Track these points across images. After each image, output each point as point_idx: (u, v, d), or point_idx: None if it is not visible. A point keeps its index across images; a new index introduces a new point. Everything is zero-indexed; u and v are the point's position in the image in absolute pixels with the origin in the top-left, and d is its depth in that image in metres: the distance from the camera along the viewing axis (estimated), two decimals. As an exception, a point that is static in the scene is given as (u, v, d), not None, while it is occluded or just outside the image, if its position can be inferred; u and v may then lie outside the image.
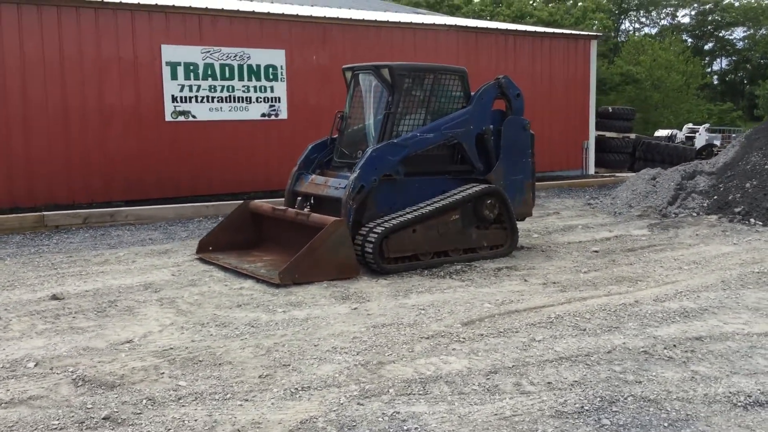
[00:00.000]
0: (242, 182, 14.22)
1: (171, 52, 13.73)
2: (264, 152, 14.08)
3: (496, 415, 4.80)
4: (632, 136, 22.63)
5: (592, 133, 20.33)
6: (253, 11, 14.69)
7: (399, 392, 5.16)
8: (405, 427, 4.60)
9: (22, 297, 7.86)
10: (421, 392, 5.17)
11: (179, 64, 13.81)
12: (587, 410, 4.88)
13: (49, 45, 12.65)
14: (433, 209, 9.34)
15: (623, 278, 8.79)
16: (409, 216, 9.17)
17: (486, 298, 7.80)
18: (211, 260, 9.55)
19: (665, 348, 6.13)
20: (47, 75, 12.68)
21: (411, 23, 16.57)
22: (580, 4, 50.17)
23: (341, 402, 4.99)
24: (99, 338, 6.43)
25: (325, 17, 15.45)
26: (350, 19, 15.76)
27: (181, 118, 13.92)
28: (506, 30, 18.72)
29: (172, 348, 6.15)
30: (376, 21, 16.08)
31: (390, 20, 16.29)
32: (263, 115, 14.71)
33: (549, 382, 5.35)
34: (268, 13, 14.81)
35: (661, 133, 31.92)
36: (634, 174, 17.07)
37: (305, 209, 10.01)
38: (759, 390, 5.27)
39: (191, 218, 12.77)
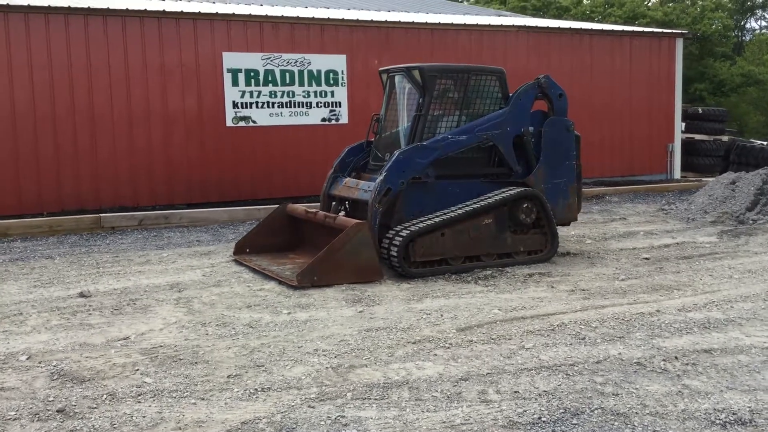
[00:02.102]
0: (301, 187, 14.36)
1: (232, 59, 14.06)
2: (323, 157, 14.13)
3: (444, 423, 4.61)
4: (725, 138, 21.38)
5: (678, 135, 19.35)
6: (314, 17, 14.84)
7: (355, 396, 5.04)
8: (342, 432, 4.49)
9: (53, 294, 8.20)
10: (378, 397, 5.03)
11: (240, 70, 14.13)
12: (544, 421, 4.62)
13: (114, 53, 13.21)
14: (463, 213, 9.11)
15: (661, 287, 8.30)
16: (437, 219, 8.98)
17: (500, 304, 7.54)
18: (244, 262, 9.68)
19: (664, 360, 5.73)
20: (113, 82, 13.25)
21: (477, 25, 16.28)
22: (699, 2, 47.87)
23: (293, 404, 4.93)
24: (100, 335, 6.62)
25: (386, 21, 15.43)
26: (412, 23, 15.65)
27: (242, 124, 14.23)
28: (581, 29, 18.10)
29: (161, 346, 6.25)
30: (439, 24, 15.90)
31: (454, 22, 16.07)
32: (323, 119, 14.83)
33: (516, 392, 5.09)
34: (329, 19, 14.92)
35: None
36: (713, 178, 16.13)
37: (340, 213, 10.02)
38: (749, 408, 4.84)
39: (243, 221, 13.00)
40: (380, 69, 10.38)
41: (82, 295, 8.09)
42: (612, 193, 16.72)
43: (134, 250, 10.75)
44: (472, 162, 9.71)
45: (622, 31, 18.80)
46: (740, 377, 5.40)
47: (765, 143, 29.58)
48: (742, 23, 61.10)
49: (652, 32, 18.82)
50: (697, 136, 21.00)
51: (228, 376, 5.47)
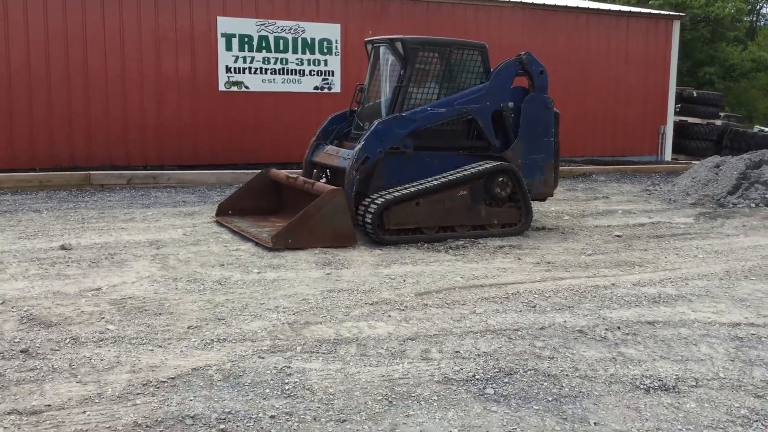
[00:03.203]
0: (291, 153, 14.57)
1: (226, 24, 14.22)
2: (315, 124, 14.21)
3: (383, 377, 4.89)
4: (718, 122, 21.49)
5: (671, 118, 19.47)
6: (310, -15, 15.00)
7: (305, 350, 5.32)
8: (286, 381, 4.77)
9: (35, 246, 8.47)
10: (326, 351, 5.31)
11: (234, 35, 14.30)
12: (477, 379, 4.89)
13: (110, 15, 13.38)
14: (439, 184, 9.34)
15: (624, 263, 8.54)
16: (413, 189, 9.21)
17: (464, 272, 7.79)
18: (225, 223, 9.94)
19: (606, 329, 5.99)
20: (107, 45, 13.44)
21: (473, 0, 16.40)
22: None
23: (245, 355, 5.20)
24: (74, 285, 6.89)
25: (382, -8, 15.57)
26: (408, -5, 15.80)
27: (234, 89, 14.43)
28: (578, 8, 18.17)
29: (130, 297, 6.53)
30: (435, -3, 16.04)
31: (451, -4, 16.20)
32: (316, 88, 15.01)
33: (457, 352, 5.37)
34: (324, -12, 15.08)
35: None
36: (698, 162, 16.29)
37: (321, 180, 10.25)
38: (676, 376, 5.10)
39: (231, 184, 13.24)
40: (366, 39, 10.56)
41: (63, 248, 8.35)
42: (599, 172, 16.91)
43: (120, 208, 11.01)
44: (451, 135, 9.91)
45: (620, 11, 18.86)
46: (676, 348, 5.65)
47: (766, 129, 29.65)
48: (758, 8, 60.61)
49: (650, 13, 18.89)
50: (691, 119, 21.13)
51: (188, 327, 5.75)
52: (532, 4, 17.38)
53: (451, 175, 9.51)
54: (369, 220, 8.92)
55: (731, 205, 13.23)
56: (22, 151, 13.07)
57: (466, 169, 9.62)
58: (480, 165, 9.72)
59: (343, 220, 8.85)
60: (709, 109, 21.26)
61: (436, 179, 9.43)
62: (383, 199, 9.03)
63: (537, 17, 17.32)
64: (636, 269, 8.21)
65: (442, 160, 9.72)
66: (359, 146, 9.25)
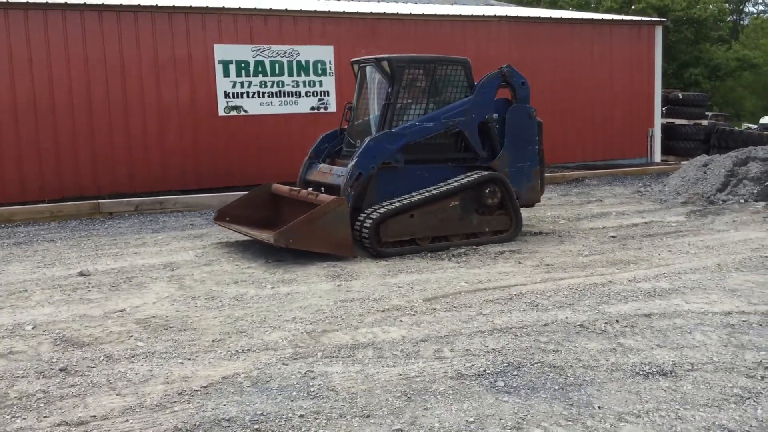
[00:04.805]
0: (293, 173, 14.88)
1: (223, 51, 14.66)
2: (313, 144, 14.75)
3: (400, 375, 5.25)
4: (705, 123, 21.99)
5: (658, 120, 19.96)
6: (301, 10, 15.43)
7: (325, 355, 5.68)
8: (311, 384, 5.12)
9: (55, 273, 8.82)
10: (345, 356, 5.67)
11: (231, 62, 14.74)
12: (488, 373, 5.25)
13: (110, 47, 13.81)
14: (430, 196, 9.67)
15: (619, 261, 8.92)
16: (406, 202, 9.55)
17: (468, 278, 8.17)
18: (225, 226, 10.36)
19: (606, 323, 6.36)
20: (108, 75, 13.85)
21: (460, 15, 16.87)
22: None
23: (269, 362, 5.56)
24: (99, 308, 7.25)
25: (372, 13, 16.02)
26: (397, 14, 16.23)
27: (234, 113, 14.85)
28: (561, 18, 18.69)
29: (154, 316, 6.88)
30: (423, 15, 16.49)
31: (438, 13, 16.65)
32: (312, 108, 15.45)
33: (468, 350, 5.73)
34: (316, 11, 15.51)
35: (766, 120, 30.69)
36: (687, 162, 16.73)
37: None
38: (673, 362, 5.47)
39: (235, 206, 13.61)
40: (352, 60, 10.96)
41: (81, 274, 8.70)
42: (591, 177, 17.34)
43: (131, 234, 11.37)
44: (440, 147, 10.27)
45: (602, 19, 19.38)
46: (672, 337, 6.03)
47: (755, 127, 30.13)
48: (741, 7, 61.43)
49: (632, 20, 19.41)
50: (678, 121, 21.60)
51: (213, 341, 6.11)
52: (518, 17, 17.88)
53: (442, 186, 9.83)
54: (366, 234, 9.25)
55: (721, 202, 13.64)
56: (31, 184, 13.44)
57: (456, 180, 9.94)
58: (469, 175, 10.05)
59: (344, 229, 9.19)
60: (695, 109, 21.75)
61: (428, 191, 9.75)
62: (378, 213, 9.37)
63: (523, 30, 17.81)
64: (631, 267, 8.59)
65: (433, 172, 10.06)
66: (352, 163, 9.61)
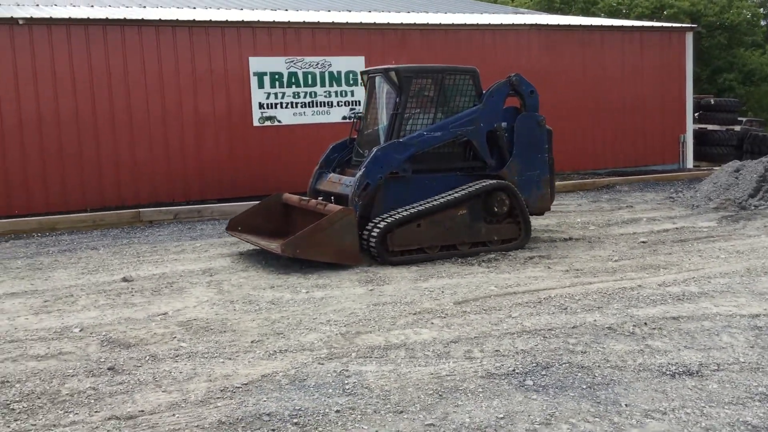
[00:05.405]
0: (325, 181, 15.28)
1: (258, 64, 15.02)
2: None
3: (432, 374, 5.45)
4: (737, 128, 21.88)
5: (690, 126, 19.92)
6: (333, 22, 15.75)
7: (359, 355, 5.90)
8: (346, 382, 5.35)
9: (99, 279, 9.17)
10: (378, 356, 5.88)
11: (265, 74, 15.09)
12: (517, 373, 5.43)
13: (150, 61, 14.24)
14: (438, 204, 9.75)
15: (649, 266, 9.02)
16: (413, 211, 9.63)
17: (497, 282, 8.34)
18: (235, 235, 10.62)
19: (634, 325, 6.50)
20: (148, 88, 14.28)
21: (489, 24, 17.06)
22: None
23: (306, 362, 5.80)
24: (142, 311, 7.55)
25: (402, 23, 16.27)
26: (427, 24, 16.48)
27: (268, 123, 15.19)
28: (591, 26, 18.77)
29: (195, 319, 7.16)
30: (453, 24, 16.70)
31: (467, 23, 16.86)
32: (344, 117, 15.72)
33: (497, 351, 5.91)
34: (347, 23, 15.82)
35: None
36: (719, 167, 16.72)
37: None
38: (699, 362, 5.60)
39: (270, 214, 13.93)
40: (361, 71, 11.16)
41: (125, 279, 9.03)
42: (622, 183, 17.37)
43: (170, 241, 11.71)
44: (448, 156, 10.34)
45: (632, 26, 19.42)
46: (699, 339, 6.15)
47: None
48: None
49: (662, 27, 19.43)
50: (710, 126, 21.53)
51: (252, 342, 6.36)
52: (548, 25, 18.01)
53: (449, 195, 9.89)
54: (373, 243, 9.37)
55: (752, 208, 13.63)
56: (74, 193, 13.88)
57: (464, 189, 9.99)
58: (477, 184, 10.10)
59: (351, 238, 9.33)
60: (728, 115, 21.65)
61: (435, 200, 9.82)
62: (386, 223, 9.48)
63: (553, 38, 17.93)
64: (661, 271, 8.69)
65: (441, 181, 10.13)
66: (360, 173, 9.77)
